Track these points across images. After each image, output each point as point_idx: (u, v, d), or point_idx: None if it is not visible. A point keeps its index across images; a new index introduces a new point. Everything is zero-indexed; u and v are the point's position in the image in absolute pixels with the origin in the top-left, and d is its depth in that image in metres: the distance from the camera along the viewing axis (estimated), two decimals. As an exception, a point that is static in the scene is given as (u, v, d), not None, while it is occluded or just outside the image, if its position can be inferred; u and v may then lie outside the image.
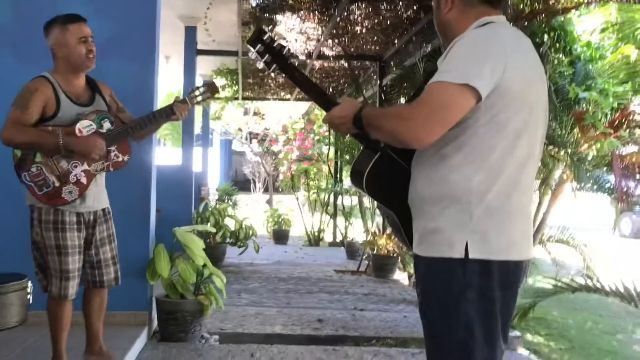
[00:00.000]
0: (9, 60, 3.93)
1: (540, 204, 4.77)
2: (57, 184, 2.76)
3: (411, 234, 1.74)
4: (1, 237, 3.85)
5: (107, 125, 2.85)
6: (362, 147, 1.87)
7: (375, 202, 2.16)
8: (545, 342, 5.09)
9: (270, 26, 7.01)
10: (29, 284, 2.24)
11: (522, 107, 1.58)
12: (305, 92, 1.87)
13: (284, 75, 1.86)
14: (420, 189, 1.66)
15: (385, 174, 1.76)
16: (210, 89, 3.07)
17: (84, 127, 2.79)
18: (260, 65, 1.85)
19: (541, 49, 4.39)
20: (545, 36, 4.71)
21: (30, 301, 2.25)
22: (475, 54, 1.55)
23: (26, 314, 2.21)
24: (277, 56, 1.83)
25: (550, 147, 4.59)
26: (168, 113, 2.96)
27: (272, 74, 9.75)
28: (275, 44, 1.83)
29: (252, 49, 1.84)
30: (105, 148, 2.81)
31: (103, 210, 3.01)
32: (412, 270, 6.80)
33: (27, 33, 3.97)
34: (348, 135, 1.86)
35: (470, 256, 1.55)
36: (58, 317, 2.84)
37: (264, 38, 1.81)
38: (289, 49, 1.87)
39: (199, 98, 3.06)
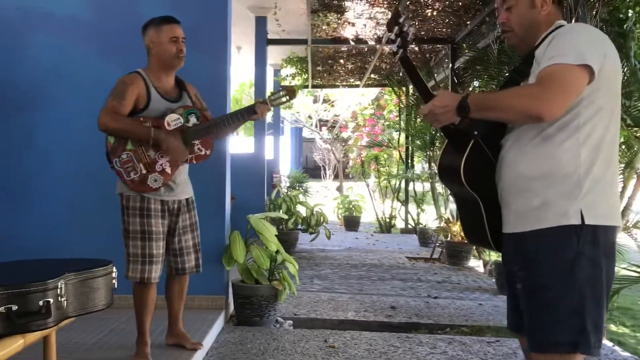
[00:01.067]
0: (89, 53, 4.13)
1: (624, 188, 4.52)
2: (144, 171, 2.91)
3: (494, 226, 1.87)
4: (88, 224, 4.08)
5: (193, 120, 2.99)
6: (446, 140, 1.97)
7: (451, 194, 2.24)
8: (632, 333, 4.85)
9: (339, 13, 6.98)
10: (114, 269, 2.35)
11: (613, 91, 1.79)
12: (413, 82, 1.93)
13: (400, 63, 1.91)
14: (523, 169, 1.79)
15: (476, 164, 1.87)
16: (289, 93, 3.19)
17: (172, 120, 2.94)
18: (394, 49, 1.88)
19: (625, 25, 4.15)
20: (630, 11, 4.43)
21: (116, 285, 2.36)
22: (586, 40, 1.75)
23: (112, 297, 2.33)
24: (404, 42, 1.86)
25: (636, 129, 4.34)
26: (250, 112, 3.09)
27: (342, 61, 9.75)
28: (406, 28, 1.85)
29: (390, 32, 1.86)
30: (186, 156, 2.98)
31: (187, 199, 3.14)
32: (488, 258, 6.65)
33: (106, 29, 4.16)
34: (419, 121, 1.90)
35: (586, 222, 1.70)
36: (143, 300, 3.00)
37: (400, 21, 1.84)
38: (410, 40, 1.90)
39: (279, 101, 3.19)
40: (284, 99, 3.19)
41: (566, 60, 1.68)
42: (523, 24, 1.89)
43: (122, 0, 4.16)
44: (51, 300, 1.94)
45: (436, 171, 2.33)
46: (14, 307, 1.85)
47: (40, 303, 1.92)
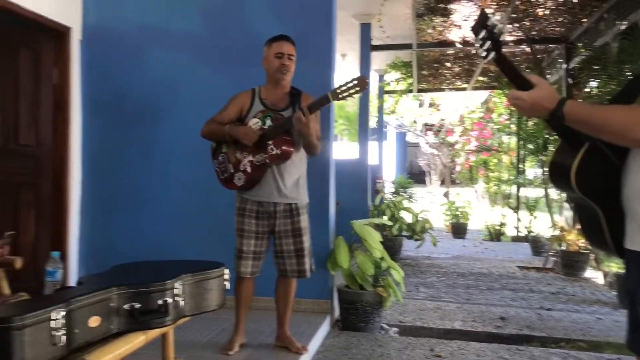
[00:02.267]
0: (203, 68, 4.37)
1: None
2: (232, 171, 3.21)
3: (616, 232, 1.65)
4: (200, 228, 4.31)
5: (268, 122, 3.16)
6: (560, 140, 1.75)
7: (566, 196, 2.03)
8: None
9: (445, 17, 6.86)
10: (226, 271, 2.47)
11: None
12: (514, 83, 1.77)
13: (496, 65, 1.75)
14: None
15: (594, 167, 1.65)
16: (359, 84, 3.01)
17: (253, 123, 3.17)
18: (482, 53, 1.75)
19: None
20: None
21: (227, 287, 2.47)
22: None
23: (224, 298, 2.44)
24: (496, 43, 1.73)
25: None
26: (291, 121, 3.08)
27: (448, 64, 9.56)
28: (496, 30, 1.73)
29: (476, 37, 1.78)
30: (254, 136, 3.10)
31: (289, 205, 3.22)
32: (607, 269, 6.22)
33: (219, 44, 4.38)
34: (532, 123, 1.75)
35: None
36: (237, 292, 3.27)
37: (488, 24, 1.72)
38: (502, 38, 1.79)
39: (347, 92, 3.02)
40: (353, 90, 3.01)
41: None
42: None
43: (233, 16, 4.37)
44: (169, 300, 2.07)
45: (548, 173, 2.06)
46: (137, 305, 2.00)
47: (160, 302, 2.05)
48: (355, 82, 3.01)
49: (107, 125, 4.55)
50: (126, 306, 1.98)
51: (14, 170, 4.26)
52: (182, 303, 2.16)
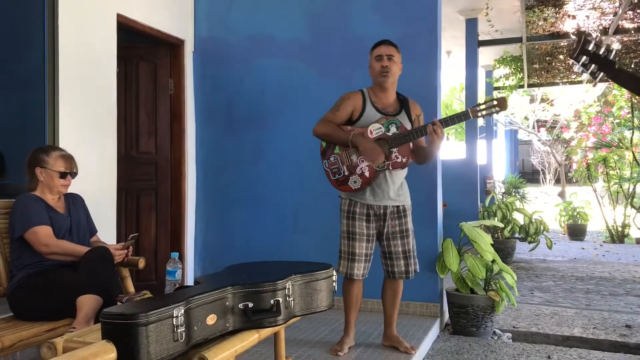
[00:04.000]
0: (310, 73, 4.44)
1: None
2: (346, 173, 3.17)
3: None
4: (309, 229, 4.38)
5: (393, 129, 3.13)
6: None
7: None
8: None
9: (557, 7, 6.51)
10: (334, 272, 2.49)
11: None
12: (632, 90, 1.72)
13: (614, 81, 1.72)
14: None
15: None
16: (500, 104, 3.04)
17: (375, 129, 3.14)
18: (585, 77, 1.74)
19: None
20: None
21: (336, 288, 2.50)
22: None
23: (333, 299, 2.47)
24: (604, 63, 1.72)
25: None
26: (424, 131, 3.06)
27: (561, 56, 9.06)
28: (601, 51, 1.71)
29: (576, 63, 1.73)
30: (379, 159, 3.07)
31: (397, 207, 3.22)
32: None
33: (324, 49, 4.44)
34: None
35: None
36: (347, 294, 3.26)
37: (589, 48, 1.73)
38: (616, 52, 1.71)
39: (486, 112, 3.06)
40: (493, 110, 3.05)
41: None
42: None
43: (337, 22, 4.41)
44: (280, 300, 2.13)
45: None
46: (250, 305, 2.07)
47: (272, 302, 2.11)
48: (496, 102, 3.06)
49: (219, 131, 4.77)
50: (240, 305, 2.06)
51: (135, 177, 4.57)
52: (292, 303, 2.21)
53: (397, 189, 3.22)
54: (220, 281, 2.13)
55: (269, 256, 3.82)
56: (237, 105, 4.71)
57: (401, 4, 4.23)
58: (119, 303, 2.44)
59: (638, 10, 6.56)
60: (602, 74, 1.71)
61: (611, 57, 1.70)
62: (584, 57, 1.71)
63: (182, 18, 4.71)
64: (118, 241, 3.79)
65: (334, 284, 2.49)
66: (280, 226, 4.50)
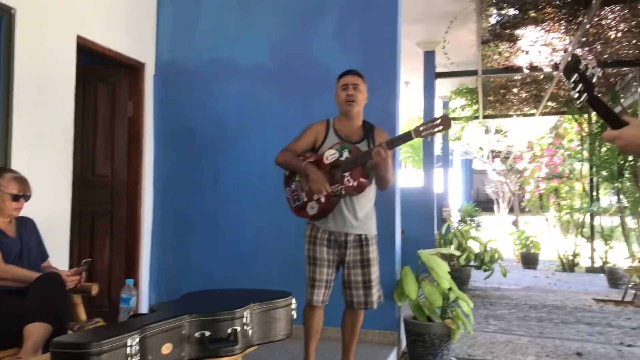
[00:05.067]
0: (271, 98, 4.47)
1: None
2: (305, 199, 3.20)
3: None
4: (270, 256, 4.35)
5: (345, 154, 3.16)
6: None
7: None
8: None
9: (511, 43, 6.75)
10: (294, 300, 2.48)
11: None
12: (603, 118, 1.82)
13: (590, 105, 1.82)
14: None
15: None
16: (442, 123, 3.05)
17: (330, 154, 3.17)
18: (575, 95, 1.83)
19: None
20: None
21: (295, 316, 2.48)
22: None
23: (292, 327, 2.45)
24: (587, 84, 1.79)
25: None
26: (371, 154, 3.07)
27: (515, 90, 9.37)
28: (588, 72, 1.79)
29: (567, 79, 1.82)
30: (325, 191, 3.09)
31: (359, 235, 3.22)
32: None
33: (286, 75, 4.48)
34: (605, 149, 1.74)
35: None
36: (308, 321, 3.23)
37: (580, 67, 1.79)
38: (598, 77, 1.82)
39: (430, 131, 3.05)
40: (435, 129, 3.03)
41: None
42: None
43: (299, 48, 4.46)
44: (238, 329, 2.10)
45: None
46: (207, 333, 2.03)
47: (229, 330, 2.08)
48: (439, 121, 3.05)
49: (179, 155, 4.72)
50: (197, 334, 2.02)
51: (90, 200, 4.47)
52: (250, 332, 2.18)
53: (360, 217, 3.21)
54: (177, 309, 2.09)
55: (228, 283, 3.77)
56: (197, 129, 4.68)
57: (362, 34, 4.31)
58: (70, 332, 2.36)
59: (586, 48, 6.86)
60: (585, 94, 1.79)
61: (593, 81, 1.78)
62: (575, 75, 1.79)
63: (144, 41, 4.68)
64: (71, 267, 3.68)
65: (293, 312, 2.47)
66: (240, 252, 4.46)
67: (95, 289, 2.96)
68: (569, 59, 1.82)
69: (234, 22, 4.64)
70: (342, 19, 4.37)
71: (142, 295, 4.58)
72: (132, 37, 4.53)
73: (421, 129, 3.05)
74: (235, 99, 4.58)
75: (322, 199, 3.15)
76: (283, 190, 3.31)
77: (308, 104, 4.29)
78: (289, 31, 4.50)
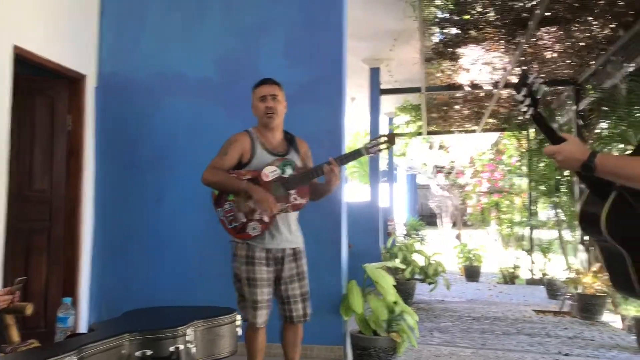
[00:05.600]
0: (218, 112, 4.42)
1: None
2: (244, 220, 3.11)
3: None
4: (214, 273, 4.28)
5: (289, 171, 3.13)
6: (587, 191, 1.91)
7: (594, 242, 2.16)
8: None
9: (453, 61, 6.96)
10: (238, 317, 2.45)
11: None
12: (545, 135, 1.89)
13: (533, 120, 1.90)
14: None
15: (621, 215, 1.77)
16: (389, 140, 3.18)
17: (270, 171, 3.11)
18: (523, 109, 1.90)
19: None
20: None
21: (239, 333, 2.45)
22: None
23: (236, 344, 2.41)
24: (534, 101, 1.87)
25: None
26: (320, 171, 3.11)
27: (457, 107, 9.64)
28: (534, 87, 1.86)
29: (517, 93, 1.88)
30: (275, 210, 3.05)
31: (293, 249, 3.21)
32: (625, 312, 6.09)
33: (234, 90, 4.45)
34: (543, 165, 1.85)
35: None
36: (252, 343, 3.15)
37: (528, 82, 1.86)
38: (543, 93, 1.90)
39: (377, 148, 3.17)
40: (382, 146, 3.17)
41: None
42: None
43: (247, 63, 4.44)
44: (181, 347, 2.05)
45: (578, 220, 2.26)
46: (148, 353, 1.97)
47: (171, 349, 2.03)
48: (385, 138, 3.17)
49: (121, 170, 4.60)
50: (138, 353, 1.96)
51: (27, 216, 4.29)
52: (193, 350, 2.13)
53: (293, 230, 3.22)
54: (117, 328, 2.02)
55: (172, 301, 3.69)
56: (141, 144, 4.58)
57: (309, 50, 4.35)
58: (1, 354, 2.25)
59: (525, 67, 7.14)
60: (532, 109, 1.86)
61: (538, 97, 1.86)
62: (524, 90, 1.85)
63: (85, 52, 4.56)
64: (5, 285, 3.52)
65: (237, 329, 2.43)
66: (184, 269, 4.37)
67: (29, 309, 2.82)
68: (520, 73, 1.91)
69: (180, 35, 4.59)
70: (289, 35, 4.40)
71: (82, 315, 4.41)
72: (73, 48, 4.41)
73: (369, 145, 3.15)
74: (180, 113, 4.51)
75: (267, 218, 3.10)
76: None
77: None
78: (236, 46, 4.49)
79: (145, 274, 4.43)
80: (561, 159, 1.77)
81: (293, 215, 3.22)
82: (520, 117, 9.78)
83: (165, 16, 4.65)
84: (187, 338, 2.09)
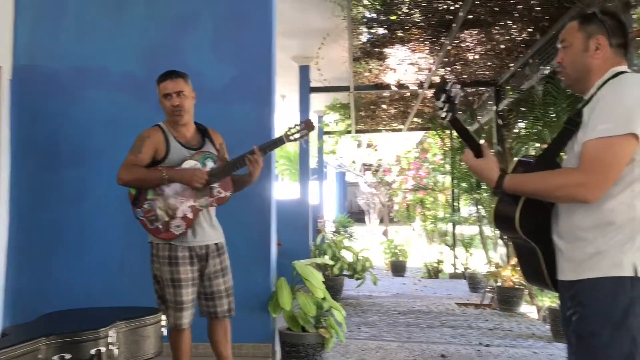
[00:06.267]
0: (141, 107, 4.29)
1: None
2: (166, 219, 3.00)
3: (553, 270, 1.90)
4: (139, 272, 4.16)
5: (210, 164, 3.07)
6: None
7: (508, 238, 2.34)
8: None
9: (380, 61, 7.09)
10: (163, 317, 2.39)
11: None
12: (463, 139, 2.01)
13: (451, 125, 1.98)
14: (578, 220, 1.81)
15: (532, 212, 1.88)
16: (307, 126, 3.19)
17: (190, 166, 3.03)
18: (442, 114, 1.97)
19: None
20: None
21: (165, 333, 2.39)
22: (634, 100, 1.70)
23: (161, 345, 2.36)
24: (452, 106, 1.94)
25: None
26: (243, 162, 3.06)
27: (384, 106, 9.83)
28: (452, 93, 1.93)
29: (436, 100, 1.95)
30: (205, 176, 2.99)
31: (216, 244, 3.16)
32: (541, 303, 6.42)
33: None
34: (464, 164, 1.99)
35: (639, 275, 1.71)
36: (176, 345, 3.05)
37: (447, 88, 1.93)
38: (460, 98, 1.98)
39: (296, 136, 3.16)
40: (302, 132, 3.17)
41: (610, 133, 1.68)
42: (575, 67, 1.89)
43: (173, 57, 4.33)
44: (103, 349, 1.98)
45: (491, 219, 2.46)
46: (67, 356, 1.89)
47: (92, 352, 1.96)
48: (303, 125, 3.17)
49: (38, 166, 4.37)
50: (56, 357, 1.88)
51: None
52: (116, 352, 2.07)
53: (214, 224, 3.17)
54: (32, 331, 1.93)
55: (93, 303, 3.55)
56: (61, 139, 4.37)
57: (238, 45, 4.30)
58: None
59: (448, 68, 7.38)
60: (450, 114, 1.94)
61: (456, 102, 1.93)
62: (443, 96, 1.92)
63: (-2, 42, 4.31)
64: None
65: (162, 329, 2.38)
66: (106, 269, 4.21)
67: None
68: (439, 81, 2.01)
69: (103, 27, 4.41)
70: (218, 28, 4.33)
71: (-5, 319, 4.18)
72: (-15, 37, 4.16)
73: (289, 133, 3.14)
74: (103, 108, 4.34)
75: (190, 215, 3.03)
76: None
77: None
78: (162, 39, 4.37)
79: (65, 275, 4.24)
80: (472, 171, 1.95)
81: (213, 210, 3.17)
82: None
83: (86, 6, 4.46)
84: (110, 340, 2.03)
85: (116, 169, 4.23)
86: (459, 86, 1.95)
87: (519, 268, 6.61)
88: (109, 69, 4.37)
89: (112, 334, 2.04)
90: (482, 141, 1.99)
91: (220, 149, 3.23)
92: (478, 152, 1.94)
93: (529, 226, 1.88)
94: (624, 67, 1.86)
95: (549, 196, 1.84)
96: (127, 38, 4.39)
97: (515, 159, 2.11)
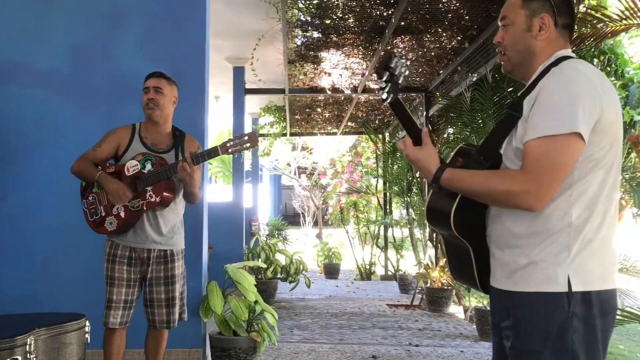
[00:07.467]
0: (69, 104, 4.14)
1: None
2: (103, 214, 3.03)
3: (483, 270, 1.76)
4: (65, 277, 3.99)
5: (148, 166, 3.04)
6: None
7: (440, 236, 2.06)
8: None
9: (315, 64, 7.12)
10: (87, 323, 2.30)
11: (612, 142, 1.60)
12: (403, 124, 1.81)
13: (390, 108, 1.77)
14: (510, 225, 1.66)
15: (467, 210, 1.73)
16: (250, 140, 2.98)
17: (131, 166, 3.03)
18: (383, 95, 1.75)
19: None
20: (595, 60, 4.61)
21: (89, 340, 2.30)
22: (576, 94, 1.53)
23: (85, 352, 2.27)
24: (395, 87, 1.73)
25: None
26: (175, 169, 2.96)
27: (319, 109, 9.89)
28: (397, 72, 1.72)
29: (378, 78, 1.74)
30: (127, 199, 2.97)
31: (164, 251, 3.10)
32: (468, 304, 6.63)
33: (86, 82, 4.18)
34: (397, 167, 1.85)
35: (574, 289, 1.56)
36: (104, 346, 3.01)
37: (391, 65, 1.72)
38: (404, 77, 1.76)
39: (234, 148, 2.98)
40: (244, 145, 2.98)
41: (553, 131, 1.51)
42: (516, 48, 1.72)
43: (100, 54, 4.20)
44: (19, 358, 1.88)
45: (424, 214, 2.20)
46: (-20, 366, 1.79)
47: (8, 361, 1.86)
48: (246, 137, 2.98)
49: (-48, 165, 4.12)
50: (-33, 368, 1.77)
51: None
52: (35, 361, 1.97)
53: (164, 232, 3.11)
54: (-58, 341, 1.81)
55: (15, 309, 3.37)
56: (-23, 137, 4.14)
57: (168, 44, 4.21)
58: None
59: (390, 50, 7.50)
60: (392, 96, 1.73)
61: (399, 81, 1.72)
62: (387, 74, 1.71)
63: None
64: None
65: (86, 335, 2.29)
66: (28, 274, 4.01)
67: None
68: (383, 54, 1.81)
69: (27, 21, 4.21)
70: (150, 27, 4.23)
71: None
72: None
73: (228, 145, 2.99)
74: (25, 105, 4.14)
75: (123, 214, 2.98)
76: (80, 204, 3.08)
77: (109, 113, 4.05)
78: (91, 36, 4.22)
79: (-19, 281, 4.01)
80: (410, 160, 1.77)
81: (166, 216, 3.11)
82: (376, 121, 10.29)
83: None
84: (27, 348, 1.93)
85: (40, 169, 4.09)
86: (405, 62, 1.73)
87: (447, 269, 6.82)
88: (33, 65, 4.18)
89: (30, 342, 1.94)
90: (424, 129, 1.80)
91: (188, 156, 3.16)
92: (417, 140, 1.76)
93: (463, 223, 1.72)
94: (568, 51, 1.69)
95: (489, 200, 1.66)
96: (53, 33, 4.21)
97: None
